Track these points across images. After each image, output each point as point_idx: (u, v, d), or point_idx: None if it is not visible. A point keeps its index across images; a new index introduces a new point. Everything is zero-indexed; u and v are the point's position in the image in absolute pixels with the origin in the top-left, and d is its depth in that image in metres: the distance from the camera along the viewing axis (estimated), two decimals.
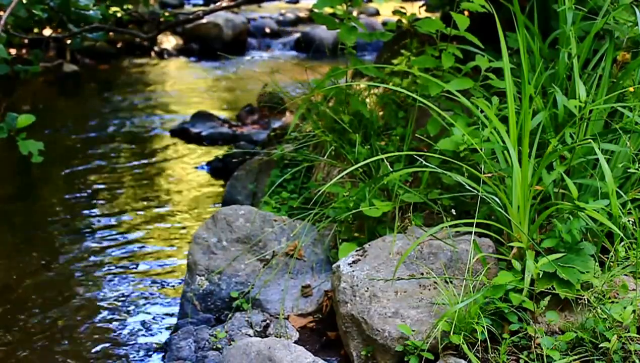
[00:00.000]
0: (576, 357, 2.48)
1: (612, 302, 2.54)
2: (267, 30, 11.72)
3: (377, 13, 12.85)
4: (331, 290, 3.09)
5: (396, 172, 3.20)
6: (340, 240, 3.37)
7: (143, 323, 3.66)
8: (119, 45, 10.46)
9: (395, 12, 4.25)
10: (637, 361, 2.41)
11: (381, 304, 2.75)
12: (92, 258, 4.39)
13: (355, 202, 3.33)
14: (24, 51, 8.83)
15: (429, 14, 4.71)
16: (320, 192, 3.42)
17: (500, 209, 2.84)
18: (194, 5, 12.85)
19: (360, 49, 9.85)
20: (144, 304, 3.85)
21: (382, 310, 2.72)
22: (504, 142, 2.94)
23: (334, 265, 3.04)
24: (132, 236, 4.69)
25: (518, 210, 2.79)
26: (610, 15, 3.32)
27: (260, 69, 9.20)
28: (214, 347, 3.07)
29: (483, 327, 2.53)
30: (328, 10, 3.96)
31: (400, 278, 2.84)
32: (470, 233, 2.77)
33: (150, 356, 3.35)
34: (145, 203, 5.24)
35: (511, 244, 2.79)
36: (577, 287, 2.59)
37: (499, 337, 2.61)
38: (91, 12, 5.10)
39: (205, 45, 10.74)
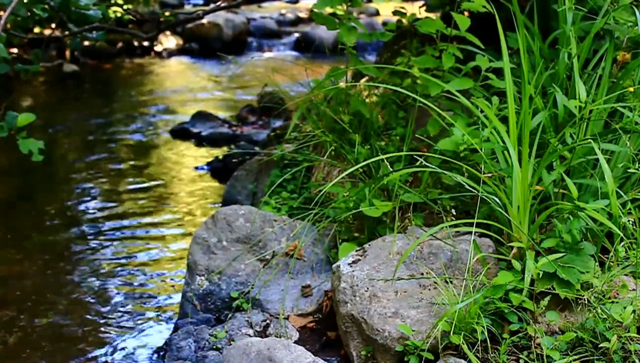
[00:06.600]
0: (576, 357, 2.48)
1: (612, 302, 2.54)
2: (267, 30, 11.71)
3: (377, 13, 12.84)
4: (331, 290, 3.09)
5: (396, 172, 3.20)
6: (340, 240, 3.37)
7: (143, 323, 3.66)
8: (119, 45, 10.46)
9: (395, 12, 4.25)
10: (637, 361, 2.41)
11: (381, 304, 2.75)
12: (92, 257, 4.39)
13: (355, 202, 3.33)
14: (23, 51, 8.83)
15: (429, 14, 4.71)
16: (320, 192, 3.42)
17: (500, 209, 2.84)
18: (194, 5, 12.84)
19: (360, 49, 9.84)
20: (144, 304, 3.85)
21: (382, 310, 2.72)
22: (504, 142, 2.94)
23: (334, 265, 3.03)
24: (132, 236, 4.69)
25: (518, 210, 2.79)
26: (610, 15, 3.32)
27: (260, 69, 9.20)
28: (214, 347, 3.07)
29: (483, 327, 2.52)
30: (328, 10, 3.96)
31: (400, 278, 2.84)
32: (470, 233, 2.77)
33: (150, 356, 3.36)
34: (145, 203, 5.24)
35: (511, 244, 2.79)
36: (577, 287, 2.59)
37: (499, 337, 2.61)
38: (91, 11, 5.09)
39: (205, 45, 10.73)
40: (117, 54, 10.38)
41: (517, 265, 2.68)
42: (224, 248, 3.42)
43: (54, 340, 3.51)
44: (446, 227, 2.87)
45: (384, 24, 5.99)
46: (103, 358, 3.36)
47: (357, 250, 3.07)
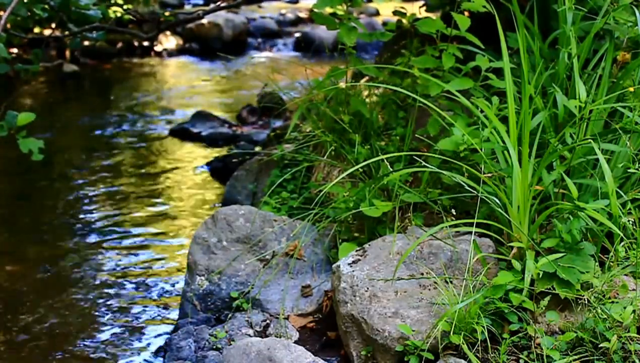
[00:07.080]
0: (576, 357, 2.48)
1: (612, 302, 2.54)
2: (267, 30, 11.71)
3: (377, 13, 12.84)
4: (331, 290, 3.09)
5: (396, 172, 3.20)
6: (340, 240, 3.37)
7: (143, 323, 3.66)
8: (119, 45, 10.45)
9: (395, 12, 4.25)
10: (637, 361, 2.41)
11: (381, 304, 2.75)
12: (92, 258, 4.39)
13: (355, 202, 3.33)
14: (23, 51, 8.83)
15: (429, 14, 4.71)
16: (320, 193, 3.42)
17: (500, 209, 2.84)
18: (194, 5, 12.84)
19: (360, 49, 9.84)
20: (144, 304, 3.85)
21: (382, 310, 2.72)
22: (504, 142, 2.94)
23: (334, 265, 3.04)
24: (132, 236, 4.69)
25: (518, 210, 2.79)
26: (610, 15, 3.32)
27: (260, 69, 9.20)
28: (214, 347, 3.07)
29: (483, 327, 2.53)
30: (328, 10, 3.96)
31: (400, 278, 2.84)
32: (470, 233, 2.77)
33: (150, 356, 3.36)
34: (145, 203, 5.24)
35: (511, 244, 2.79)
36: (577, 287, 2.59)
37: (499, 337, 2.61)
38: (91, 11, 5.09)
39: (205, 45, 10.73)
40: (117, 54, 10.37)
41: (517, 265, 2.68)
42: (224, 248, 3.42)
43: (53, 340, 3.51)
44: (446, 227, 2.87)
45: (384, 24, 6.00)
46: (103, 359, 3.36)
47: (357, 250, 3.07)
